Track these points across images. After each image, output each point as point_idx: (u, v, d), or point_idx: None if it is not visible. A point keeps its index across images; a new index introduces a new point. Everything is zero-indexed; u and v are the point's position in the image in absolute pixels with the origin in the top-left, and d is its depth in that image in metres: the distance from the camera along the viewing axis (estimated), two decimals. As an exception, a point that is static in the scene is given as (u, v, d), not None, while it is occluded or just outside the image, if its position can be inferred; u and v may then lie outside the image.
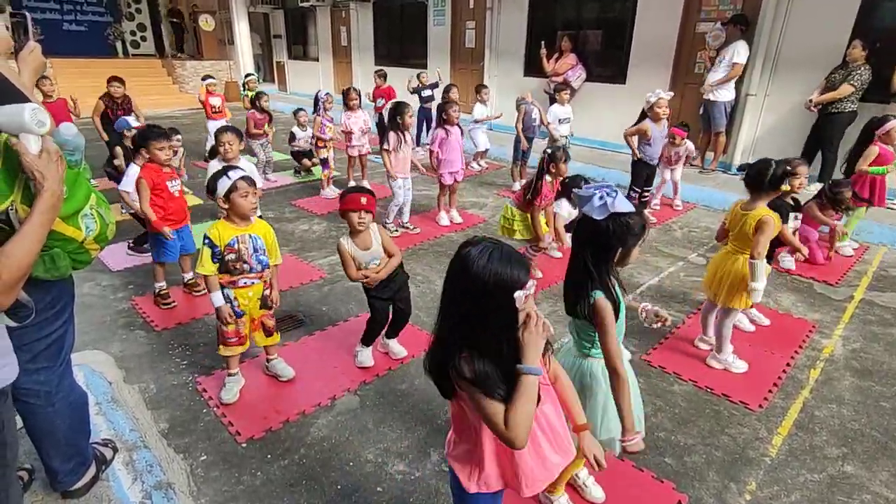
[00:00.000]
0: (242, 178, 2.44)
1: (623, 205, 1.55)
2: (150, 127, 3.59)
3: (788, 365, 3.05)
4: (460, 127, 5.07)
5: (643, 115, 4.96)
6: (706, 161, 6.95)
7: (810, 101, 5.68)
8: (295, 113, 7.04)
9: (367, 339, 2.97)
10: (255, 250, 2.52)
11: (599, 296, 1.60)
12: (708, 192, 6.15)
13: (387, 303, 2.86)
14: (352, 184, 5.95)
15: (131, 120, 4.87)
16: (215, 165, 3.87)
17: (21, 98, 1.46)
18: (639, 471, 2.25)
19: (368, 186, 6.23)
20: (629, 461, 2.27)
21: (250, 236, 2.50)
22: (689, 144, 5.53)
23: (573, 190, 3.42)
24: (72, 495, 2.03)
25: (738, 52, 6.20)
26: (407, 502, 2.12)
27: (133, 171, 3.65)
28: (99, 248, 1.70)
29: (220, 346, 2.64)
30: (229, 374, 2.72)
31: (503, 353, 1.19)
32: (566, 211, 4.11)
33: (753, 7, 6.32)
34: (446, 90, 7.09)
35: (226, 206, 2.46)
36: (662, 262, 4.47)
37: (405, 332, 3.11)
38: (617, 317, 1.64)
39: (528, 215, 3.90)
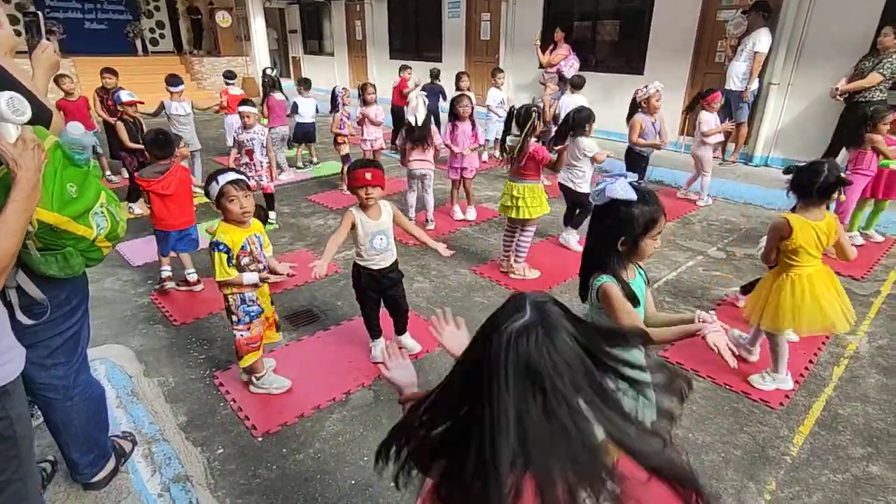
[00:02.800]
0: (231, 181, 2.32)
1: (623, 192, 1.51)
2: (158, 136, 3.56)
3: (811, 362, 2.97)
4: (472, 121, 5.01)
5: (633, 109, 5.00)
6: (726, 153, 6.80)
7: (836, 89, 5.50)
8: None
9: (370, 332, 2.99)
10: (261, 246, 2.51)
11: (603, 281, 1.58)
12: (729, 185, 6.02)
13: (375, 297, 2.86)
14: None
15: (124, 95, 5.35)
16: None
17: (17, 88, 1.45)
18: (655, 469, 2.22)
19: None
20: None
21: (256, 236, 2.48)
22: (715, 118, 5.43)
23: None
24: (93, 487, 2.08)
25: (761, 40, 6.03)
26: (420, 498, 2.12)
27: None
28: (110, 245, 1.72)
29: (245, 358, 2.55)
30: (260, 376, 2.68)
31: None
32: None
33: (777, -7, 6.14)
34: (457, 78, 7.06)
35: (219, 211, 2.40)
36: (680, 257, 4.39)
37: (420, 328, 3.10)
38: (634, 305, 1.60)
39: (535, 186, 3.75)
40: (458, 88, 6.91)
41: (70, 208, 1.50)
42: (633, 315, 1.58)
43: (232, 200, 2.33)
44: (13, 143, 1.27)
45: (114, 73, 6.21)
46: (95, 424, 2.02)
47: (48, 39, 1.77)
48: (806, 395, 2.72)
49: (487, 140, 7.51)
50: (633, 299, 1.61)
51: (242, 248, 2.40)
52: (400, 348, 1.30)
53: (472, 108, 5.06)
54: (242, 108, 4.96)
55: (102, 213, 1.61)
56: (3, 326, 1.33)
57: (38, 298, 1.56)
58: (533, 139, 3.68)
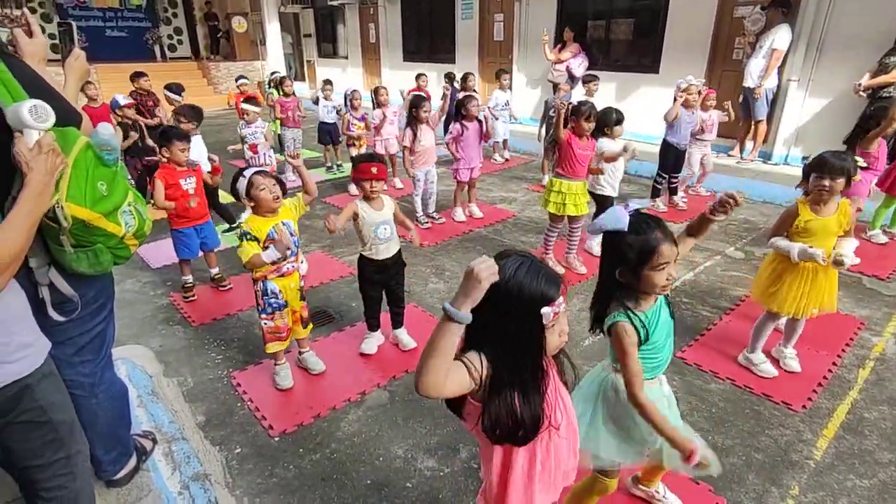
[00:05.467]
0: (256, 172, 2.50)
1: (612, 222, 1.43)
2: (171, 128, 3.70)
3: (834, 364, 2.91)
4: (479, 122, 5.01)
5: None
6: (745, 151, 6.69)
7: (859, 84, 5.39)
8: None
9: (370, 325, 3.06)
10: (291, 234, 2.59)
11: (618, 319, 1.49)
12: (747, 183, 5.92)
13: (380, 288, 2.96)
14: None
15: (120, 98, 5.50)
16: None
17: (51, 93, 1.52)
18: (674, 472, 2.19)
19: (399, 183, 6.24)
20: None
21: (283, 223, 2.56)
22: (717, 113, 5.34)
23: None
24: (115, 484, 2.12)
25: (780, 37, 5.93)
26: (436, 498, 2.12)
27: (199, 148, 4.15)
28: (137, 243, 1.77)
29: (268, 345, 2.70)
30: (278, 364, 2.79)
31: (522, 377, 1.12)
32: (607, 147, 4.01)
33: (796, -12, 6.03)
34: (464, 79, 7.05)
35: (252, 205, 2.53)
36: (698, 257, 4.33)
37: (424, 326, 3.10)
38: (644, 341, 1.51)
39: (578, 185, 3.82)
40: (465, 89, 6.92)
41: (101, 205, 1.54)
42: (636, 370, 1.50)
43: (262, 189, 2.47)
44: (30, 147, 1.32)
45: (143, 74, 6.31)
46: (119, 422, 2.06)
47: (83, 48, 1.82)
48: (830, 397, 2.65)
49: (497, 142, 7.51)
50: (641, 337, 1.52)
51: (269, 236, 2.50)
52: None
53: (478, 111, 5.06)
54: (244, 105, 5.32)
55: (130, 211, 1.66)
56: (23, 321, 1.37)
57: (69, 295, 1.62)
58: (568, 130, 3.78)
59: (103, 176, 1.57)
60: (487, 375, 1.10)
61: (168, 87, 5.95)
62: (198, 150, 4.09)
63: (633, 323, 1.48)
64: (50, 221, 1.44)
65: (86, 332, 1.80)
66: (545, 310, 1.07)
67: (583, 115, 3.70)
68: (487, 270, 0.96)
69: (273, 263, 2.50)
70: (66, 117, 1.54)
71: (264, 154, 5.43)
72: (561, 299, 1.10)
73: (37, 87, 1.48)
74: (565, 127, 3.81)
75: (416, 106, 4.80)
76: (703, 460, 1.48)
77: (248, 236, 2.45)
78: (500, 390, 1.11)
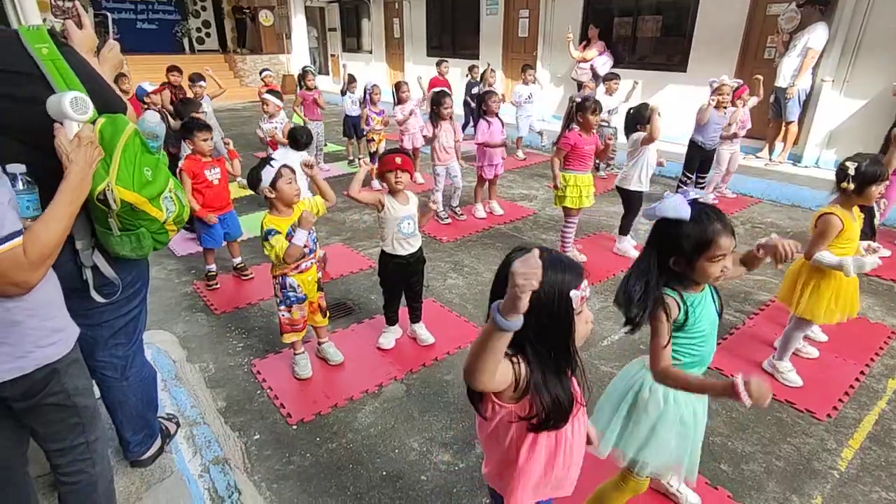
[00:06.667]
0: (284, 165, 2.54)
1: (673, 210, 1.42)
2: (193, 119, 3.79)
3: (862, 373, 2.83)
4: (500, 119, 4.99)
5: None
6: (774, 152, 6.53)
7: (896, 86, 5.21)
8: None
9: (388, 318, 3.08)
10: (309, 232, 2.60)
11: (667, 293, 1.48)
12: (775, 186, 5.78)
13: (400, 285, 2.98)
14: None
15: (146, 86, 5.51)
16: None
17: (108, 91, 1.59)
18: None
19: (420, 178, 6.24)
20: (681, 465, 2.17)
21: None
22: (751, 103, 5.23)
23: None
24: (139, 465, 2.18)
25: (816, 35, 5.75)
26: (450, 493, 2.13)
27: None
28: (176, 229, 1.82)
29: (284, 335, 2.74)
30: (297, 354, 2.84)
31: (559, 363, 1.15)
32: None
33: (834, -15, 5.84)
34: (485, 74, 7.02)
35: (272, 196, 2.53)
36: (723, 260, 4.24)
37: (453, 323, 3.11)
38: (683, 323, 1.50)
39: (587, 177, 3.90)
40: (486, 84, 6.89)
41: (147, 190, 1.59)
42: (666, 351, 1.48)
43: (289, 182, 2.52)
44: (71, 139, 1.37)
45: (179, 70, 6.42)
46: (147, 404, 2.12)
47: (115, 39, 1.87)
48: (856, 407, 2.58)
49: (521, 137, 7.46)
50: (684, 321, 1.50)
51: (287, 235, 2.53)
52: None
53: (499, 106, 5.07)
54: (265, 96, 5.29)
55: (171, 198, 1.71)
56: (58, 307, 1.42)
57: (111, 277, 1.68)
58: (576, 128, 3.83)
59: (148, 162, 1.62)
60: (525, 377, 1.12)
61: (190, 78, 5.96)
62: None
63: (675, 300, 1.48)
64: (100, 204, 1.50)
65: (122, 315, 1.85)
66: (573, 293, 1.09)
67: (588, 110, 3.76)
68: (525, 277, 0.87)
69: (302, 256, 2.54)
70: (114, 106, 1.60)
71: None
72: (586, 283, 1.13)
73: (89, 77, 1.54)
74: (571, 123, 3.86)
75: (437, 103, 4.78)
76: (749, 389, 1.23)
77: (273, 232, 2.47)
78: (544, 383, 1.14)
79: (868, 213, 2.78)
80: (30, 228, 1.25)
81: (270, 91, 5.58)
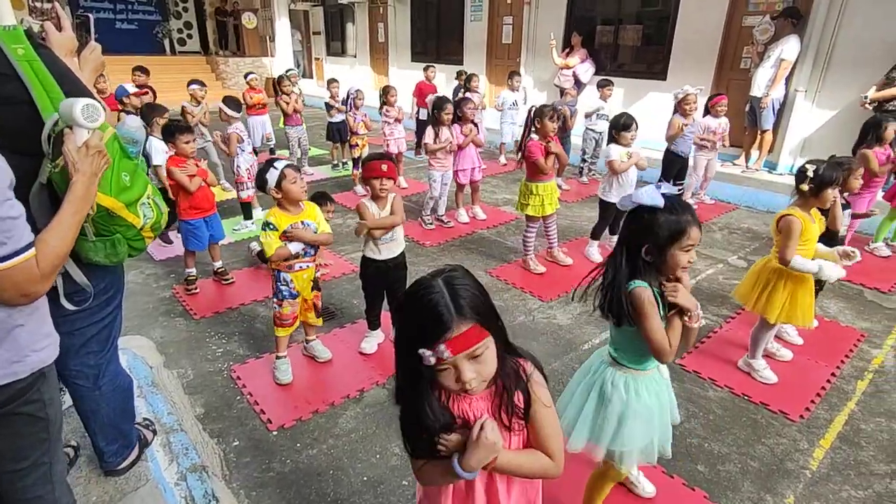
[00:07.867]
0: (287, 166, 2.58)
1: (649, 197, 1.48)
2: (174, 122, 3.77)
3: (833, 375, 2.91)
4: (476, 125, 5.01)
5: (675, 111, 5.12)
6: (750, 160, 6.69)
7: (865, 97, 5.38)
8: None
9: (370, 322, 3.09)
10: (315, 231, 2.66)
11: (636, 285, 1.52)
12: (751, 193, 5.92)
13: (380, 289, 2.99)
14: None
15: (128, 87, 5.43)
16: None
17: (86, 94, 1.55)
18: (669, 477, 2.20)
19: (404, 182, 6.23)
20: (660, 466, 2.21)
21: (304, 223, 2.62)
22: (725, 121, 5.38)
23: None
24: (114, 474, 2.13)
25: (789, 47, 5.92)
26: (431, 497, 2.13)
27: (158, 145, 4.07)
28: (153, 235, 1.79)
29: (277, 329, 2.77)
30: (278, 357, 2.82)
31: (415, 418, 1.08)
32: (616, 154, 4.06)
33: (806, -1, 6.02)
34: (467, 80, 7.07)
35: (279, 196, 2.58)
36: (700, 264, 4.33)
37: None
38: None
39: (552, 185, 3.95)
40: (469, 90, 6.93)
41: (124, 195, 1.57)
42: (661, 332, 1.53)
43: (294, 182, 2.56)
44: (79, 147, 1.35)
45: (145, 71, 6.28)
46: (122, 414, 2.07)
47: (96, 40, 1.84)
48: (827, 408, 2.65)
49: (504, 143, 7.52)
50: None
51: (285, 232, 2.57)
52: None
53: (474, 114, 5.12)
54: (220, 105, 5.22)
55: (148, 203, 1.69)
56: (46, 313, 1.38)
57: (83, 284, 1.62)
58: (536, 138, 3.87)
59: (126, 167, 1.60)
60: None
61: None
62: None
63: (650, 291, 1.53)
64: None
65: (94, 323, 1.81)
66: (423, 352, 0.96)
67: (546, 115, 3.80)
68: (492, 451, 1.05)
69: (295, 257, 2.59)
70: None
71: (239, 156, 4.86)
72: (446, 351, 0.95)
73: (67, 80, 1.51)
74: (531, 131, 3.90)
75: (438, 108, 4.78)
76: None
77: (271, 226, 2.54)
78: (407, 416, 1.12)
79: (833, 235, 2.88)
80: (39, 240, 1.23)
81: (227, 98, 5.26)
